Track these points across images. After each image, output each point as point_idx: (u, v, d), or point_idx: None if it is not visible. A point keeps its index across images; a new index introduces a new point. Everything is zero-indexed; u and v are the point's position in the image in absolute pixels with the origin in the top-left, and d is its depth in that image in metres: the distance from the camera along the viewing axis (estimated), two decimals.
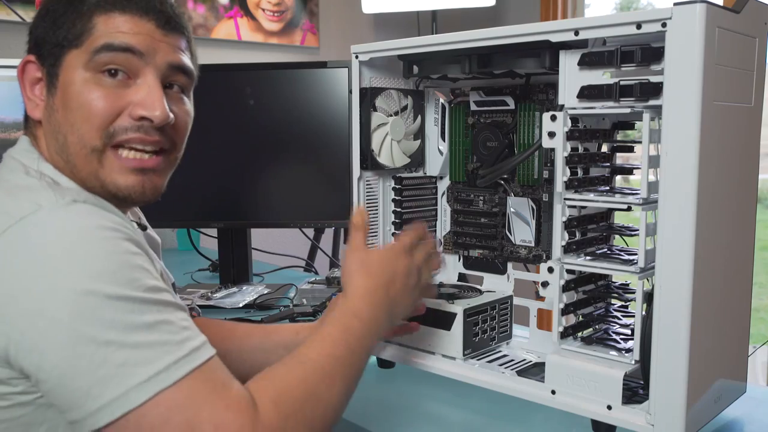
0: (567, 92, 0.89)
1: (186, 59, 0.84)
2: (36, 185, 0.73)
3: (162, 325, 0.67)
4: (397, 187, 1.18)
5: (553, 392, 0.92)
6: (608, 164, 0.99)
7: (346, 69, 1.54)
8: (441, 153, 1.21)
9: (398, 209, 1.18)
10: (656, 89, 0.81)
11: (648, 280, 0.86)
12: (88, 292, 0.64)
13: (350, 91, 1.19)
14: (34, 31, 0.82)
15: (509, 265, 1.16)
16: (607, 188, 0.97)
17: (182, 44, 0.83)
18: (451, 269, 1.25)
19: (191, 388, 0.66)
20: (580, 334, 0.96)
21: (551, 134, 0.89)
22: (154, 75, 0.80)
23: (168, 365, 0.65)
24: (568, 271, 0.93)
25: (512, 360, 1.07)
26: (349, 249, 0.91)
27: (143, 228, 0.94)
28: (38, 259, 0.65)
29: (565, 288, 0.93)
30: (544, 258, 1.09)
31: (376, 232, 1.17)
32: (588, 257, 0.92)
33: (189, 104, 0.87)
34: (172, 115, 0.80)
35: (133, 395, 0.64)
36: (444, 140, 1.20)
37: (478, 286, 1.17)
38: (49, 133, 0.80)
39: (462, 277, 1.24)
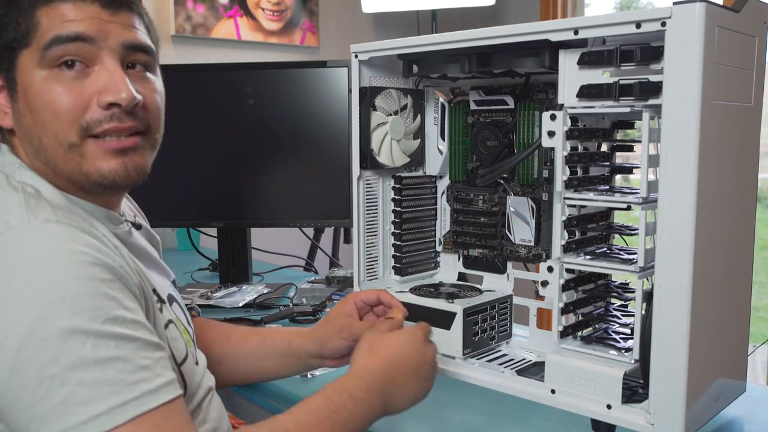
0: (566, 91, 0.89)
1: (141, 36, 0.80)
2: (13, 200, 0.71)
3: (115, 363, 0.63)
4: (397, 186, 1.18)
5: (553, 391, 0.92)
6: (608, 163, 0.99)
7: (346, 68, 1.54)
8: (441, 152, 1.21)
9: (398, 208, 1.18)
10: (656, 88, 0.81)
11: (648, 279, 0.86)
12: (40, 320, 0.62)
13: (350, 91, 1.19)
14: None
15: (509, 264, 1.16)
16: (607, 187, 0.97)
17: (134, 21, 0.80)
18: (450, 268, 1.25)
19: None
20: (579, 333, 0.96)
21: (551, 133, 0.89)
22: (112, 58, 0.77)
23: (112, 407, 0.61)
24: (568, 271, 0.93)
25: (512, 359, 1.07)
26: (368, 329, 0.89)
27: (138, 227, 0.92)
28: None
29: (565, 287, 0.93)
30: (544, 257, 1.09)
31: (376, 231, 1.17)
32: (587, 256, 0.92)
33: (157, 82, 0.84)
34: (139, 96, 0.78)
35: None
36: (444, 139, 1.20)
37: (478, 286, 1.17)
38: (23, 139, 0.78)
39: (461, 276, 1.24)
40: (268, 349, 1.04)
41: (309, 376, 1.11)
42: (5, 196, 0.72)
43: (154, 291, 0.82)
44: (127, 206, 0.91)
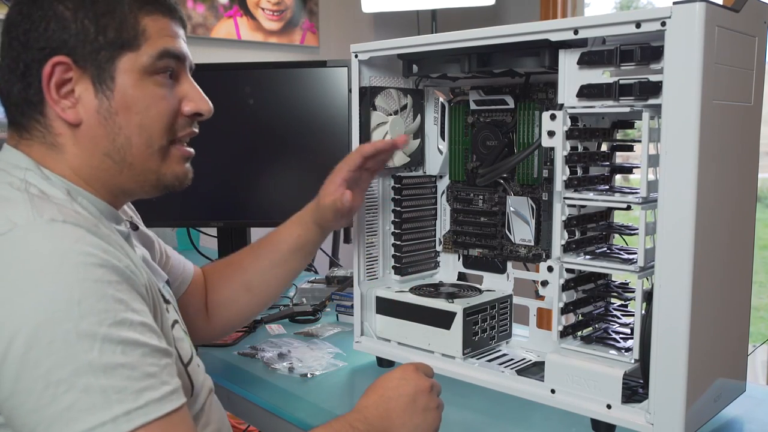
0: (566, 91, 0.89)
1: None
2: (17, 198, 0.70)
3: (121, 370, 0.62)
4: (397, 186, 1.18)
5: (553, 391, 0.92)
6: (608, 163, 0.99)
7: (346, 68, 1.54)
8: (441, 152, 1.21)
9: (398, 208, 1.18)
10: (656, 88, 0.81)
11: (647, 279, 0.86)
12: (46, 323, 0.61)
13: (350, 90, 1.19)
14: (57, 34, 0.76)
15: (509, 264, 1.16)
16: (607, 187, 0.97)
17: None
18: (450, 268, 1.25)
19: None
20: (579, 333, 0.96)
21: (551, 133, 0.89)
22: (189, 74, 0.85)
23: (116, 416, 0.61)
24: (568, 270, 0.93)
25: (512, 359, 1.07)
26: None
27: (134, 228, 0.92)
28: (4, 281, 0.63)
29: (565, 287, 0.93)
30: (544, 257, 1.09)
31: (376, 231, 1.17)
32: (587, 256, 0.92)
33: None
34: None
35: None
36: (444, 139, 1.20)
37: (478, 286, 1.17)
38: (101, 136, 0.78)
39: (462, 276, 1.24)
40: (285, 252, 1.10)
41: (309, 375, 1.11)
42: (9, 194, 0.71)
43: (159, 291, 0.82)
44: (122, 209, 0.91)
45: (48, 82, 0.76)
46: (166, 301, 0.85)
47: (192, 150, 0.87)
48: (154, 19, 0.79)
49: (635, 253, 0.88)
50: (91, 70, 0.77)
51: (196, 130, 0.87)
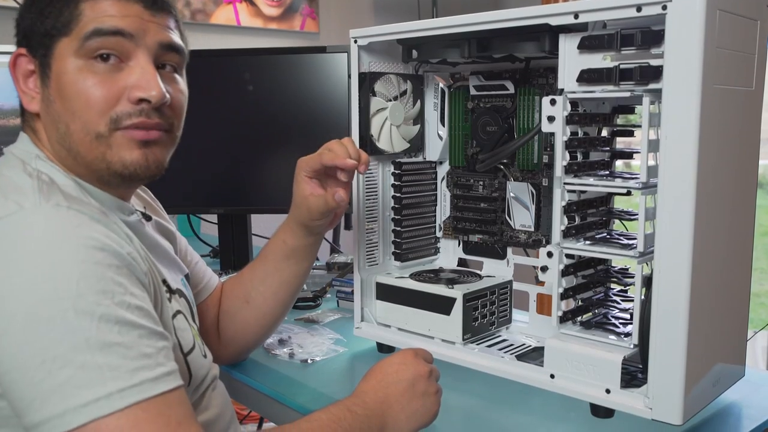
0: (567, 76, 0.89)
1: (176, 38, 0.83)
2: (27, 185, 0.72)
3: (117, 348, 0.64)
4: (397, 172, 1.18)
5: (552, 376, 0.92)
6: (608, 148, 0.99)
7: (346, 54, 1.54)
8: (440, 138, 1.20)
9: (398, 194, 1.18)
10: (656, 73, 0.81)
11: (647, 264, 0.86)
12: (46, 300, 0.63)
13: (349, 76, 1.18)
14: (21, 24, 0.81)
15: (509, 249, 1.16)
16: (607, 173, 0.96)
17: (171, 23, 0.83)
18: (450, 254, 1.25)
19: (138, 419, 0.63)
20: (579, 318, 0.96)
21: (551, 118, 0.88)
22: (146, 56, 0.79)
23: (111, 392, 0.62)
24: (568, 256, 0.93)
25: (512, 344, 1.08)
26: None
27: (147, 218, 0.92)
28: (6, 259, 0.65)
29: (565, 272, 0.93)
30: (544, 243, 1.09)
31: (376, 217, 1.17)
32: (587, 242, 0.92)
33: (183, 83, 0.86)
34: (168, 95, 0.80)
35: (69, 417, 0.61)
36: (443, 125, 1.20)
37: (478, 271, 1.17)
38: (49, 124, 0.80)
39: (462, 262, 1.24)
40: (276, 260, 1.06)
41: (310, 361, 1.12)
42: (20, 180, 0.74)
43: (164, 281, 0.83)
44: (134, 199, 0.92)
45: (15, 73, 0.81)
46: (172, 292, 0.86)
47: (147, 134, 0.80)
48: (95, 1, 0.78)
49: (635, 239, 0.88)
50: (39, 59, 0.79)
51: (150, 119, 0.79)
